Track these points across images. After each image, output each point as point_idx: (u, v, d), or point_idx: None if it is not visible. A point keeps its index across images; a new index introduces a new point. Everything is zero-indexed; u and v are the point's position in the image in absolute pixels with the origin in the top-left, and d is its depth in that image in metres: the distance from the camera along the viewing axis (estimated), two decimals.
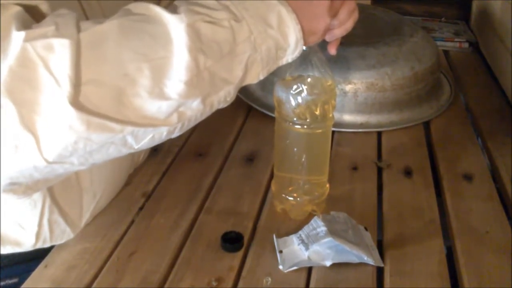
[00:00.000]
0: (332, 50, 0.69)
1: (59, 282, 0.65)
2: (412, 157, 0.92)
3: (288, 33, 0.57)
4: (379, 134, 0.99)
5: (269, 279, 0.65)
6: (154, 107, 0.50)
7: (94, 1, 0.67)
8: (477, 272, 0.67)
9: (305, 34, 0.58)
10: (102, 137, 0.49)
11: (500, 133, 1.00)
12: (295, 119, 0.70)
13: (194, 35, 0.50)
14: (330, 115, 0.72)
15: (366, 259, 0.67)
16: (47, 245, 0.69)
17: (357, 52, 1.01)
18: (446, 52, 1.38)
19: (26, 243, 0.68)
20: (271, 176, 0.85)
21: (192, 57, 0.50)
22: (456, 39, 1.41)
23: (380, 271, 0.68)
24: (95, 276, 0.66)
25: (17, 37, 0.46)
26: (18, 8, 0.48)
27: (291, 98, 0.69)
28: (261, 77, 0.58)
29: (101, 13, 0.67)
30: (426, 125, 1.03)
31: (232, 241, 0.70)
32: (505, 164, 0.90)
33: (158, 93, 0.49)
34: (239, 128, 1.01)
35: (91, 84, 0.47)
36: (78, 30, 0.48)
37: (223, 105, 0.57)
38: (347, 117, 1.00)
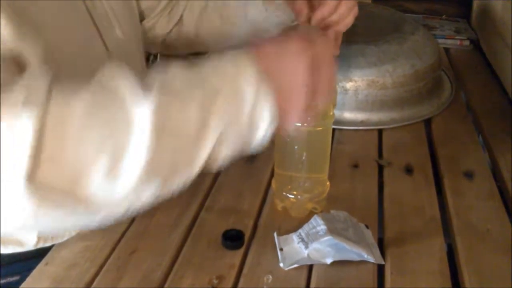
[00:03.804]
0: (335, 50, 0.69)
1: (60, 280, 0.65)
2: (412, 155, 0.92)
3: (260, 120, 0.53)
4: (380, 132, 0.99)
5: (270, 277, 0.65)
6: (110, 189, 0.48)
7: (98, 1, 0.67)
8: (478, 270, 0.67)
9: (281, 117, 0.54)
10: (56, 213, 0.47)
11: (500, 130, 1.00)
12: None
13: (161, 120, 0.48)
14: (331, 113, 0.72)
15: (366, 257, 0.67)
16: (48, 244, 0.70)
17: (358, 50, 1.01)
18: (447, 50, 1.38)
19: (28, 242, 0.68)
20: (272, 174, 0.85)
21: (155, 143, 0.47)
22: (457, 37, 1.40)
23: (380, 269, 0.68)
24: (96, 274, 0.66)
25: None
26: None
27: None
28: (225, 162, 0.53)
29: (105, 14, 0.67)
30: (427, 123, 1.03)
31: (233, 239, 0.70)
32: (506, 162, 0.90)
33: (116, 175, 0.47)
34: None
35: (49, 162, 0.45)
36: (48, 100, 0.45)
37: (182, 187, 0.53)
38: (348, 115, 1.00)
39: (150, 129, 0.47)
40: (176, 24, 0.91)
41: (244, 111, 0.51)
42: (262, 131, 0.53)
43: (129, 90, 0.48)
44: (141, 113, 0.47)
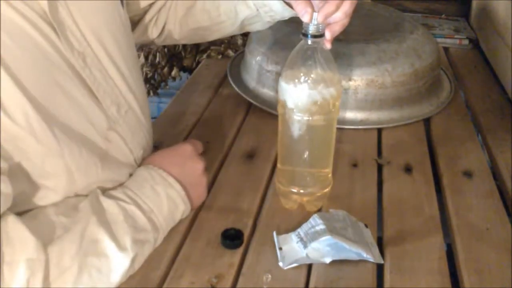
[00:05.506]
0: (328, 44, 0.71)
1: None
2: (412, 154, 0.92)
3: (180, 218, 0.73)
4: (379, 131, 0.99)
5: (269, 276, 0.65)
6: None
7: (61, 1, 0.62)
8: (477, 269, 0.68)
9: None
10: None
11: (500, 129, 1.00)
12: (299, 112, 0.70)
13: (133, 262, 0.64)
14: (335, 108, 0.72)
15: (366, 256, 0.67)
16: None
17: (357, 49, 1.01)
18: (446, 49, 1.38)
19: None
20: (272, 172, 0.85)
21: (122, 279, 0.63)
22: (456, 36, 1.40)
23: (380, 268, 0.68)
24: None
25: None
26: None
27: (295, 91, 0.69)
28: None
29: (69, 15, 0.63)
30: (426, 122, 1.03)
31: (232, 238, 0.70)
32: (505, 161, 0.90)
33: None
34: (239, 124, 1.00)
35: None
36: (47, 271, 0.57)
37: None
38: (348, 114, 1.00)
39: (124, 273, 0.63)
40: (163, 26, 0.91)
41: (172, 226, 0.72)
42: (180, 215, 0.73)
43: (112, 245, 0.62)
44: (121, 264, 0.62)
